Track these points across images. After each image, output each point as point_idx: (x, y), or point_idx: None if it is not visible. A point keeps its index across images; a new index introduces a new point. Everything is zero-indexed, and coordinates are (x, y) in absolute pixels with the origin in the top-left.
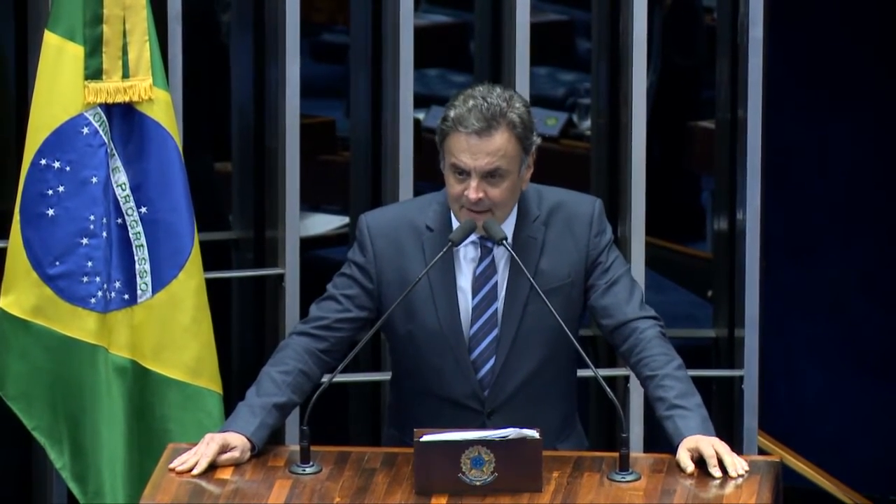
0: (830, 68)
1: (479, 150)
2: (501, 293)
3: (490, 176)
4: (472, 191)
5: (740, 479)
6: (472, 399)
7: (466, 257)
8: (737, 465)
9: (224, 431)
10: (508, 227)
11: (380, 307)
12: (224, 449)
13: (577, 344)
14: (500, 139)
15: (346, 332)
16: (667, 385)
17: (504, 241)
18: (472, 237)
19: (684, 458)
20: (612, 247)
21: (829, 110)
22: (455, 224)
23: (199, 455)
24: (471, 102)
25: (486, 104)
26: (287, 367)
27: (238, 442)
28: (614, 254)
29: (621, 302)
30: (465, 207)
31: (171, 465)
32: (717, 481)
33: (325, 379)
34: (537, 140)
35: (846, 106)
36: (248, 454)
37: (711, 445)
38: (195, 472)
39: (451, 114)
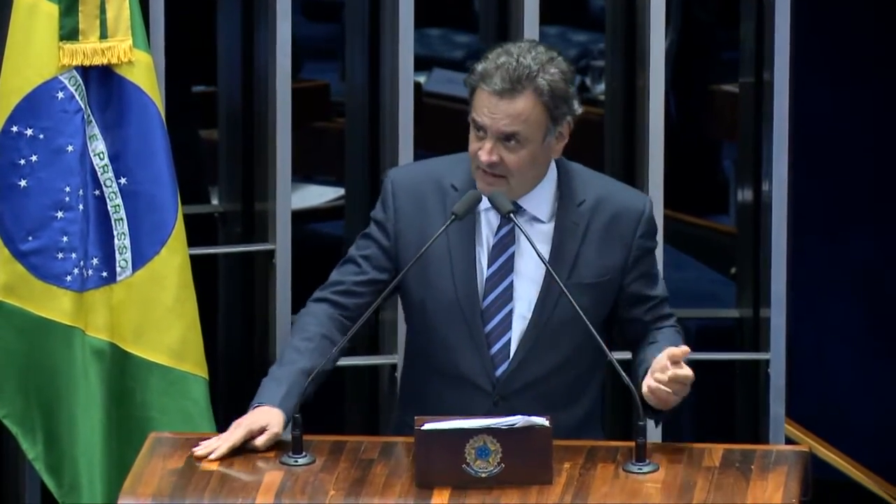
0: (863, 29)
1: (498, 110)
2: (521, 266)
3: (507, 139)
4: (485, 152)
5: (766, 471)
6: (481, 376)
7: (489, 224)
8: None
9: (251, 410)
10: (547, 207)
11: (398, 268)
12: (252, 434)
13: (598, 337)
14: (523, 104)
15: (366, 298)
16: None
17: (511, 215)
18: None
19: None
20: (656, 257)
21: (862, 74)
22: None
23: (221, 440)
24: (502, 59)
25: (515, 64)
26: (308, 334)
27: (267, 419)
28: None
29: (663, 317)
30: (479, 168)
31: (193, 450)
32: (741, 473)
33: (323, 361)
34: (578, 109)
35: (880, 69)
36: (282, 427)
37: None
38: (213, 456)
39: (479, 67)
